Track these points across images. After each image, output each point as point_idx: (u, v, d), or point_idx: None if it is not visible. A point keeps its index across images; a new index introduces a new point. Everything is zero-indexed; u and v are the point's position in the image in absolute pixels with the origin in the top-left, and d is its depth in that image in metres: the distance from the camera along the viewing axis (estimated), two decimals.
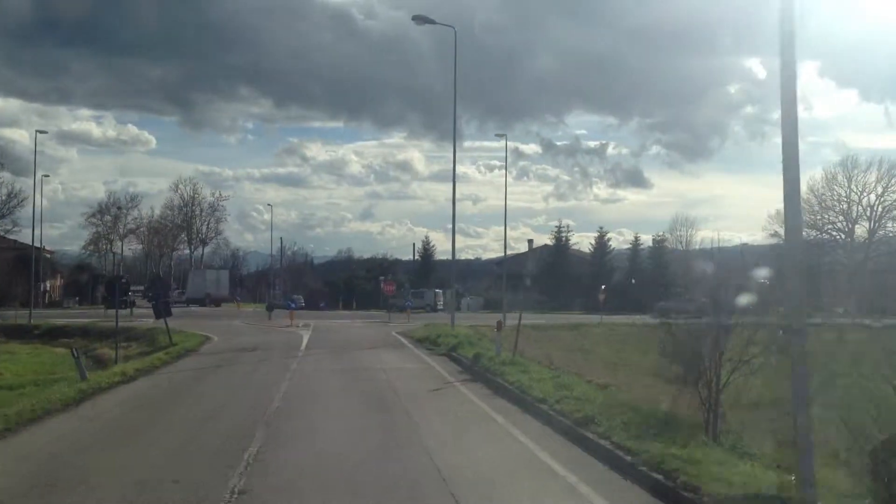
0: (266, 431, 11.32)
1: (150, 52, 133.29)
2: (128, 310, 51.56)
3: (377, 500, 8.05)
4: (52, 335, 44.96)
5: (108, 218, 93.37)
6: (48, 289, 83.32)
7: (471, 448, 10.55)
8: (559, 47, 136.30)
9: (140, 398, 15.30)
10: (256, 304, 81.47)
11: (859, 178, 63.27)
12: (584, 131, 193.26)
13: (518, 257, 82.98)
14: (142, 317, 52.66)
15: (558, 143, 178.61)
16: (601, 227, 74.30)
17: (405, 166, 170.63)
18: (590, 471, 9.12)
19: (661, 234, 72.30)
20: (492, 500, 8.20)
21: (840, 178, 63.91)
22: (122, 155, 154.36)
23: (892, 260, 64.39)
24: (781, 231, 67.57)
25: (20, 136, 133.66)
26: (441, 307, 67.23)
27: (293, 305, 44.11)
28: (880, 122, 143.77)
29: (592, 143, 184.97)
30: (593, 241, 73.96)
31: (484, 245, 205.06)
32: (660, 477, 8.23)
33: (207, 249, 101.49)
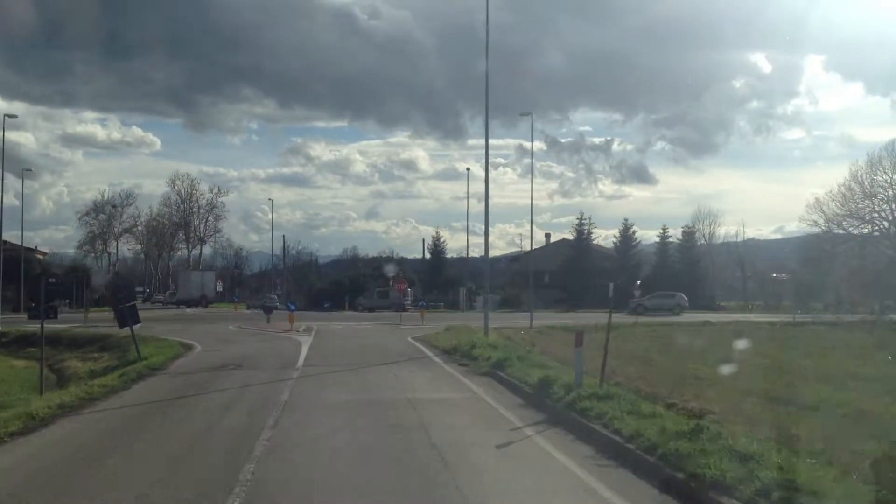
0: None
1: (154, 55, 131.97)
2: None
3: None
4: (20, 343, 39.21)
5: (102, 217, 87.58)
6: None
7: None
8: (564, 44, 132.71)
9: None
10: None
11: None
12: (588, 128, 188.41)
13: (533, 253, 76.99)
14: None
15: (563, 140, 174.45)
16: (626, 220, 68.21)
17: (410, 165, 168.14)
18: None
19: (689, 225, 66.08)
20: None
21: (885, 162, 57.81)
22: (126, 157, 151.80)
23: None
24: (821, 220, 60.89)
25: (25, 140, 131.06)
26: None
27: (293, 307, 37.90)
28: (886, 114, 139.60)
29: (597, 140, 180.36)
30: (617, 235, 67.73)
31: (490, 243, 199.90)
32: None
33: (209, 250, 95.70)
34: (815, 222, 60.33)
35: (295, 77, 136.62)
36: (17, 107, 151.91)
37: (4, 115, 48.39)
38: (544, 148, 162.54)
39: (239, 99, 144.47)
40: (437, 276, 73.45)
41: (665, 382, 14.19)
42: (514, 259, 78.06)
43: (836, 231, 60.58)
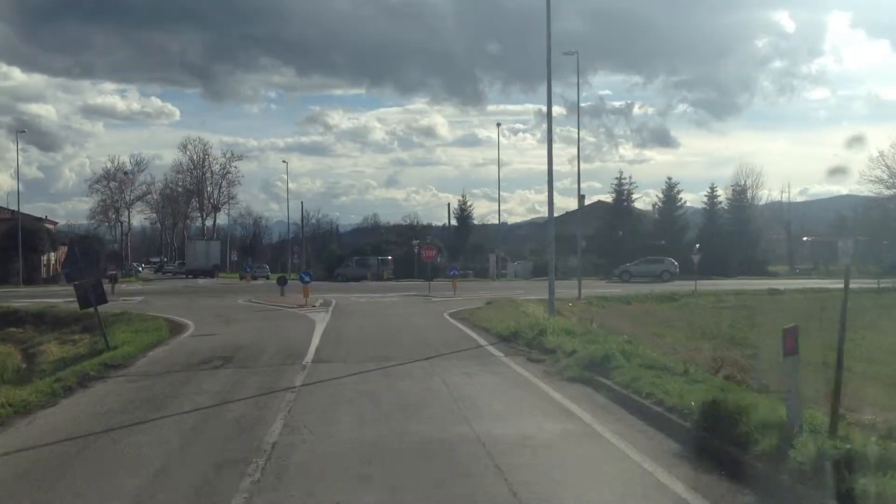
0: None
1: (171, 25, 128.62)
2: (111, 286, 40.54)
3: None
4: (2, 321, 34.18)
5: (113, 185, 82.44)
6: (46, 262, 72.71)
7: None
8: (583, 6, 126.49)
9: None
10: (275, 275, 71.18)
11: None
12: (608, 91, 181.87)
13: (566, 217, 70.92)
14: (127, 295, 41.59)
15: (583, 105, 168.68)
16: (669, 178, 61.42)
17: (429, 132, 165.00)
18: None
19: (740, 183, 59.33)
20: None
21: None
22: (146, 128, 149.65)
23: None
24: (885, 175, 54.11)
25: (46, 112, 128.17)
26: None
27: (307, 278, 32.31)
28: None
29: (617, 104, 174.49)
30: (660, 195, 61.27)
31: (509, 209, 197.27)
32: None
33: (226, 218, 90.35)
34: (880, 178, 53.79)
35: (312, 45, 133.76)
36: (37, 79, 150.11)
37: None
38: (564, 113, 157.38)
39: (256, 68, 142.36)
40: (464, 242, 67.67)
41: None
42: (546, 223, 72.19)
43: None
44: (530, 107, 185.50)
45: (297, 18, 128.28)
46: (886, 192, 54.05)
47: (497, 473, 6.73)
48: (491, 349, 15.22)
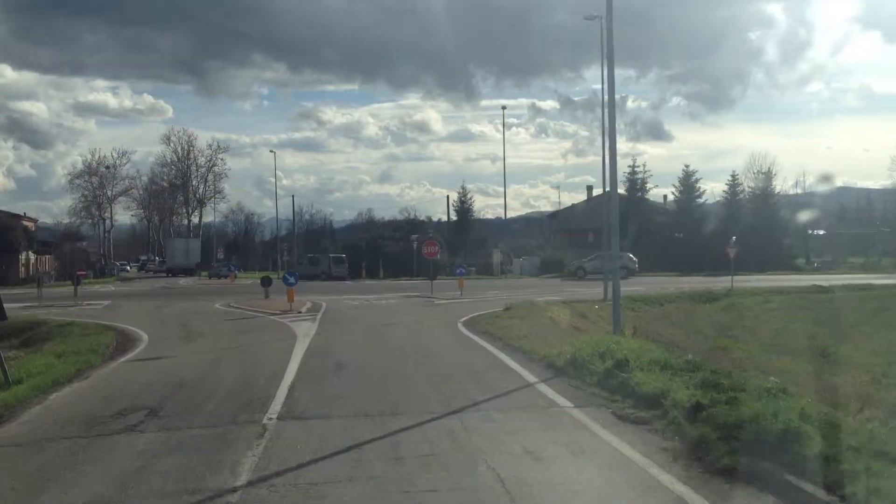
0: None
1: (162, 21, 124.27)
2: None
3: None
4: None
5: (95, 179, 76.98)
6: (25, 262, 67.56)
7: None
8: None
9: None
10: (261, 274, 66.41)
11: None
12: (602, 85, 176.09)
13: (573, 209, 65.88)
14: (95, 298, 36.43)
15: (576, 99, 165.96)
16: (687, 166, 56.05)
17: (422, 127, 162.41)
18: None
19: (766, 171, 53.91)
20: None
21: None
22: (139, 125, 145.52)
23: None
24: None
25: (38, 109, 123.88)
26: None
27: (292, 280, 27.20)
28: None
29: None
30: (676, 184, 55.93)
31: (503, 204, 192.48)
32: None
33: (212, 214, 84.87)
34: None
35: (304, 40, 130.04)
36: (28, 76, 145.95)
37: None
38: (558, 107, 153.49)
39: (249, 64, 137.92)
40: (464, 237, 62.56)
41: None
42: (552, 216, 66.95)
43: None
44: (524, 101, 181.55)
45: (289, 14, 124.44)
46: None
47: None
48: (547, 391, 10.05)
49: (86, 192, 76.15)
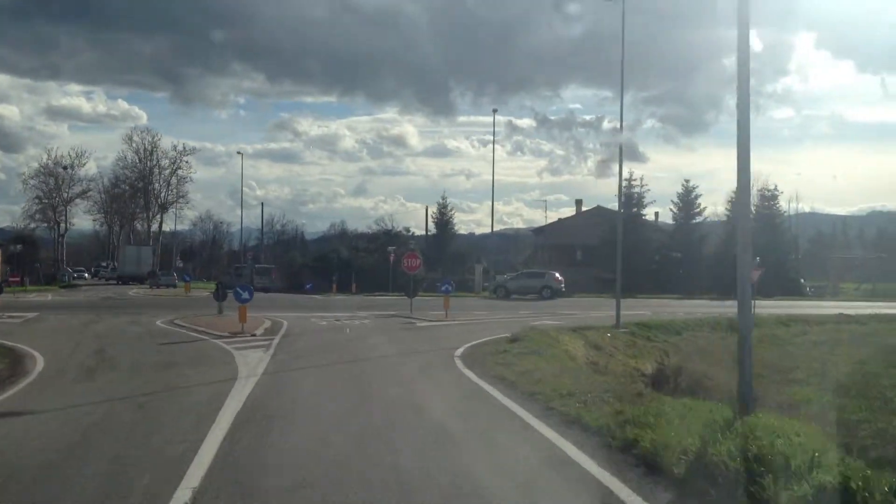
0: None
1: (140, 26, 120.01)
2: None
3: None
4: None
5: (50, 181, 70.75)
6: None
7: None
8: (554, 20, 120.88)
9: None
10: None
11: None
12: (579, 105, 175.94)
13: (560, 224, 61.24)
14: (21, 310, 30.81)
15: (553, 118, 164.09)
16: (687, 181, 51.24)
17: (399, 141, 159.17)
18: None
19: (770, 188, 49.39)
20: None
21: None
22: (112, 130, 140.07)
23: None
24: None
25: (10, 112, 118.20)
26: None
27: (245, 294, 21.83)
28: (876, 93, 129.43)
29: (588, 117, 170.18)
30: (675, 200, 51.19)
31: (477, 220, 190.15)
32: None
33: (178, 221, 78.80)
34: None
35: (283, 51, 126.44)
36: (2, 79, 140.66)
37: None
38: (534, 125, 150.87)
39: (226, 73, 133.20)
40: (443, 252, 57.54)
41: None
42: (537, 231, 62.18)
43: None
44: (500, 118, 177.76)
45: (269, 24, 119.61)
46: None
47: None
48: None
49: (40, 194, 70.02)
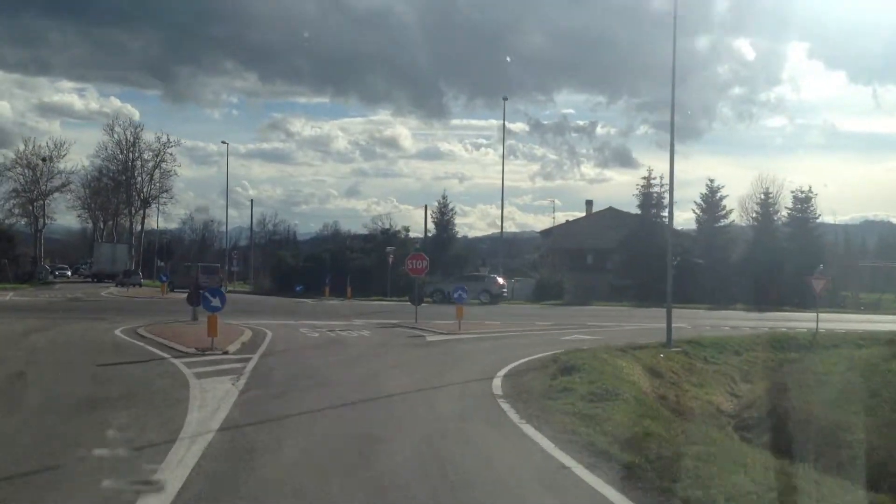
0: None
1: (132, 23, 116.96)
2: None
3: None
4: None
5: (27, 172, 65.81)
6: None
7: None
8: (548, 24, 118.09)
9: None
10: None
11: None
12: (572, 110, 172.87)
13: (569, 226, 56.92)
14: None
15: (546, 122, 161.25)
16: (711, 180, 46.40)
17: (391, 143, 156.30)
18: None
19: (804, 190, 44.62)
20: None
21: None
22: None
23: None
24: None
25: (1, 108, 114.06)
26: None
27: (215, 301, 17.05)
28: (868, 104, 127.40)
29: (581, 122, 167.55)
30: (699, 200, 46.58)
31: (470, 223, 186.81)
32: None
33: (160, 216, 73.77)
34: None
35: (277, 51, 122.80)
36: None
37: None
38: (527, 129, 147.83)
39: (219, 71, 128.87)
40: (443, 254, 52.95)
41: None
42: (545, 233, 57.77)
43: None
44: (494, 122, 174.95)
45: (262, 23, 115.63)
46: None
47: None
48: None
49: (17, 187, 65.07)
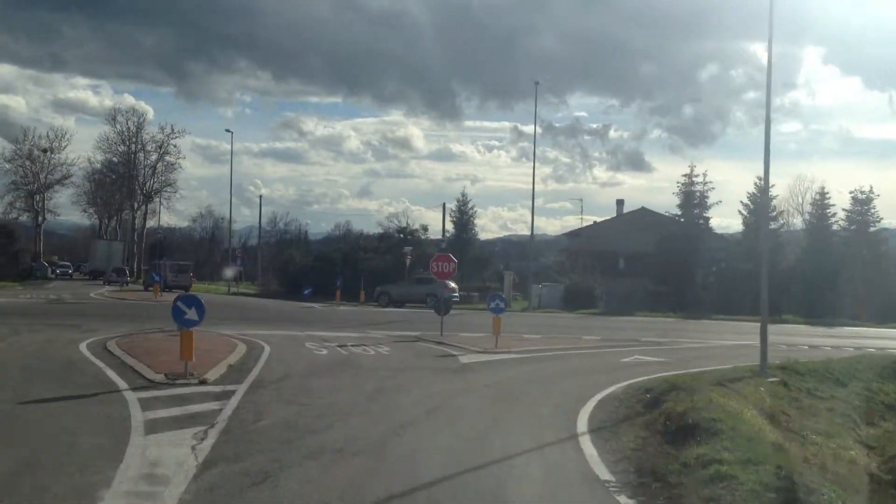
0: None
1: (146, 19, 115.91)
2: None
3: None
4: None
5: (28, 164, 62.19)
6: None
7: None
8: (562, 27, 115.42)
9: None
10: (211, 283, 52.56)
11: None
12: (584, 113, 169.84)
13: (598, 228, 52.75)
14: None
15: (559, 125, 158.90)
16: (759, 178, 42.25)
17: (404, 144, 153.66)
18: None
19: (866, 190, 40.13)
20: None
21: None
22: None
23: None
24: None
25: (16, 103, 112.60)
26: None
27: (190, 313, 13.01)
28: (884, 110, 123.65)
29: (594, 125, 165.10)
30: (745, 202, 41.98)
31: (482, 226, 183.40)
32: None
33: (161, 210, 69.79)
34: None
35: (290, 50, 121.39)
36: (7, 69, 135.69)
37: None
38: (540, 132, 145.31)
39: (233, 70, 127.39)
40: (462, 255, 48.86)
41: None
42: (572, 234, 53.48)
43: None
44: (506, 124, 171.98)
45: (277, 22, 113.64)
46: None
47: None
48: None
49: (16, 179, 61.48)
